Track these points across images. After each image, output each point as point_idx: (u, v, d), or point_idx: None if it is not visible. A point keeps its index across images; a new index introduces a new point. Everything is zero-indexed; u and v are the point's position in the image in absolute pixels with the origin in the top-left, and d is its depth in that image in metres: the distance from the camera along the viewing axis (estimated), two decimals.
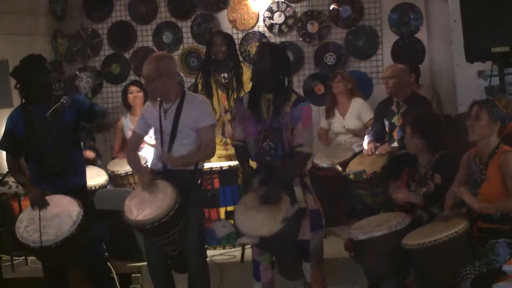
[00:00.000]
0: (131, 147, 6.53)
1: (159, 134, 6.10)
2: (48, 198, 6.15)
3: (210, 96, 8.10)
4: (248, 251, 6.24)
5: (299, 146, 5.81)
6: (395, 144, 7.41)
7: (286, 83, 5.94)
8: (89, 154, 8.57)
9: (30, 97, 6.29)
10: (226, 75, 8.14)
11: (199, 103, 6.10)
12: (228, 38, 8.31)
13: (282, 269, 6.09)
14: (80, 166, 6.50)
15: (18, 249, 6.31)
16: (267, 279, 6.04)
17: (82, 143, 6.73)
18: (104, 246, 6.83)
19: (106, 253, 6.93)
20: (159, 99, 6.14)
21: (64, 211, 6.08)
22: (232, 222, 7.15)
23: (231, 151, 8.27)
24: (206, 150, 6.13)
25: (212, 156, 6.33)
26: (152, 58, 6.19)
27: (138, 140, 6.47)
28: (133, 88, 9.05)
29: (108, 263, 7.22)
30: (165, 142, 6.04)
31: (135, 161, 6.40)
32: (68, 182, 6.28)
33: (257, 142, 5.93)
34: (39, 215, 6.00)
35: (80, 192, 6.35)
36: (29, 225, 6.04)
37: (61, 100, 6.20)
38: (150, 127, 6.26)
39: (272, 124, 5.88)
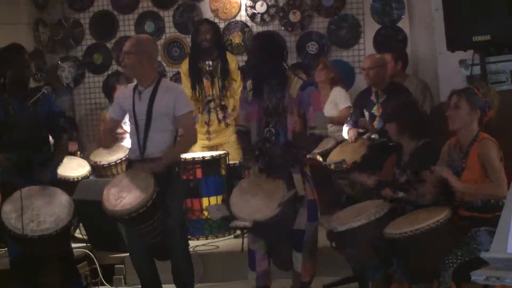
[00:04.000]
0: (106, 132, 6.49)
1: (133, 118, 6.06)
2: (28, 188, 6.10)
3: (199, 83, 8.17)
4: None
5: (312, 128, 5.82)
6: (375, 135, 7.43)
7: (285, 67, 6.00)
8: (72, 146, 8.52)
9: (7, 86, 6.21)
10: (210, 63, 8.21)
11: (175, 92, 6.09)
12: (214, 26, 8.42)
13: (276, 258, 6.09)
14: (51, 161, 6.45)
15: (11, 239, 6.20)
16: (263, 268, 5.99)
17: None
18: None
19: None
20: (133, 84, 6.15)
21: (53, 199, 6.07)
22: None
23: (214, 141, 8.31)
24: (189, 137, 6.15)
25: (195, 142, 6.34)
26: (134, 36, 6.34)
27: (113, 124, 6.41)
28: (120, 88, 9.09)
29: (92, 254, 7.24)
30: (140, 127, 6.01)
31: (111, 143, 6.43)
32: (40, 175, 6.24)
33: (259, 128, 5.93)
34: (21, 205, 5.94)
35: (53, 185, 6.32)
36: (19, 216, 5.95)
37: (42, 90, 6.17)
38: (125, 112, 6.23)
39: (275, 110, 5.88)
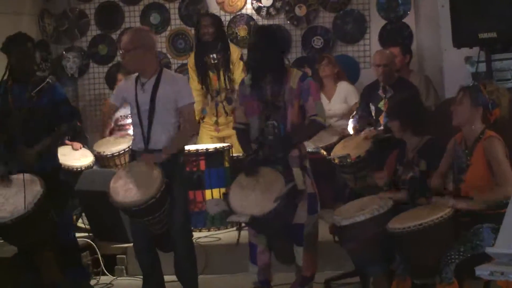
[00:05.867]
0: (105, 117, 6.52)
1: (136, 109, 6.06)
2: (16, 176, 6.12)
3: (205, 77, 8.18)
4: (244, 234, 6.23)
5: (313, 116, 5.84)
6: (381, 129, 7.42)
7: (285, 61, 6.00)
8: (76, 145, 8.46)
9: (12, 74, 6.27)
10: (215, 55, 8.21)
11: (178, 82, 6.10)
12: (216, 19, 8.38)
13: (277, 252, 6.09)
14: (53, 149, 6.47)
15: None
16: (263, 262, 5.99)
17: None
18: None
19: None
20: (135, 74, 6.15)
21: (23, 188, 6.04)
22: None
23: (222, 132, 8.32)
24: (190, 128, 6.16)
25: (196, 133, 6.33)
26: (129, 30, 6.36)
27: (112, 109, 6.49)
28: (121, 77, 9.05)
29: (94, 243, 7.25)
30: (144, 118, 6.01)
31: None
32: (38, 164, 6.25)
33: (260, 121, 5.93)
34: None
35: (51, 174, 6.33)
36: None
37: (47, 80, 6.18)
38: (125, 100, 6.26)
39: (275, 103, 5.88)
